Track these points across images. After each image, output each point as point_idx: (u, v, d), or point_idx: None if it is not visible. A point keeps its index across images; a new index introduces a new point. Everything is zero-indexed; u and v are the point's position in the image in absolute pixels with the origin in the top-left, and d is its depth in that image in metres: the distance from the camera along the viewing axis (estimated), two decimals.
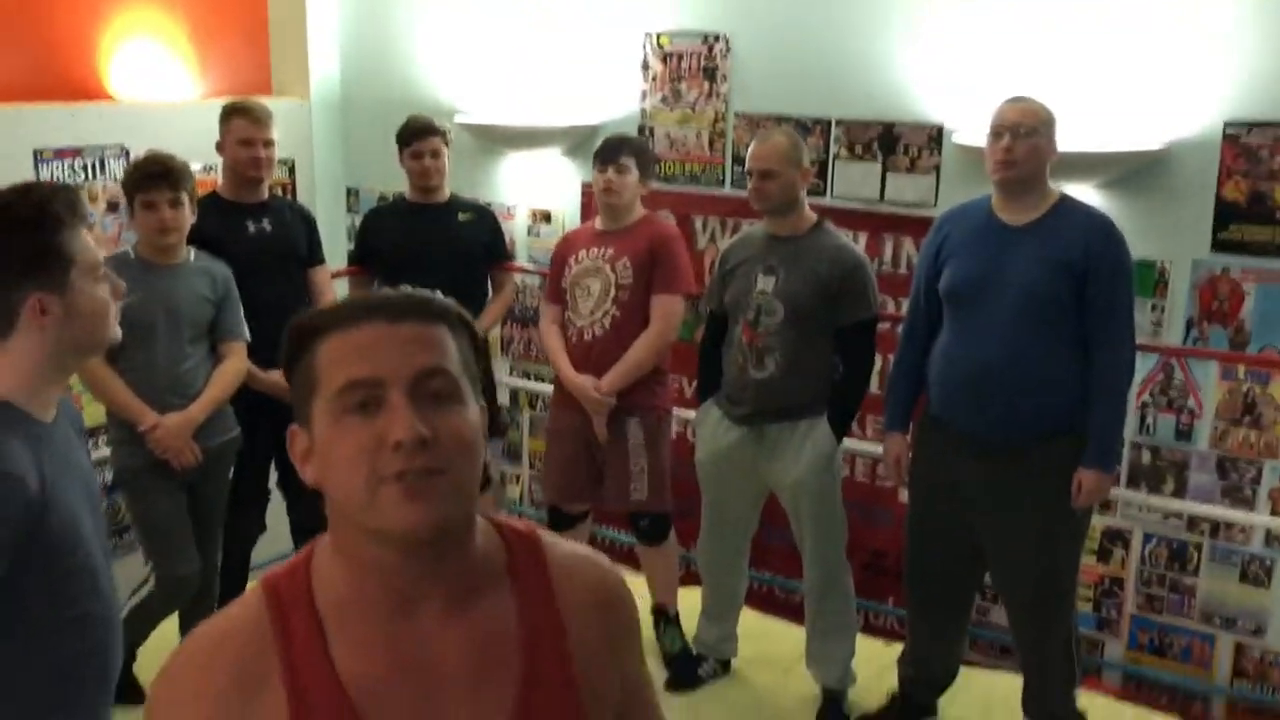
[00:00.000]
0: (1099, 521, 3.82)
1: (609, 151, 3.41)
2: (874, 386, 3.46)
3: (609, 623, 1.18)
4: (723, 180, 4.34)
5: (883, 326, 3.33)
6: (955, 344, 2.89)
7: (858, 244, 3.58)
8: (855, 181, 4.01)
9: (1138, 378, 3.36)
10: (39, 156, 4.16)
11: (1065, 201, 2.82)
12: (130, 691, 3.36)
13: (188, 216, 3.08)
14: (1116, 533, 3.90)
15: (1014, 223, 2.80)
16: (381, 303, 1.09)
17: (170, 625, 3.36)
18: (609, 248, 3.46)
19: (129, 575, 3.28)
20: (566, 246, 3.60)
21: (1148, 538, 3.86)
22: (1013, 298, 2.74)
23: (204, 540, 3.27)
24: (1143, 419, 3.76)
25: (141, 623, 3.22)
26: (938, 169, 3.86)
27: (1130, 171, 3.62)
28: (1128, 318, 2.79)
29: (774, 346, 3.11)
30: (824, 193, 4.02)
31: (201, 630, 1.12)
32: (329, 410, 1.06)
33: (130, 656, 3.35)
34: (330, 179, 5.32)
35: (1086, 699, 3.14)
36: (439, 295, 1.15)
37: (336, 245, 4.88)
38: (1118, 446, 2.90)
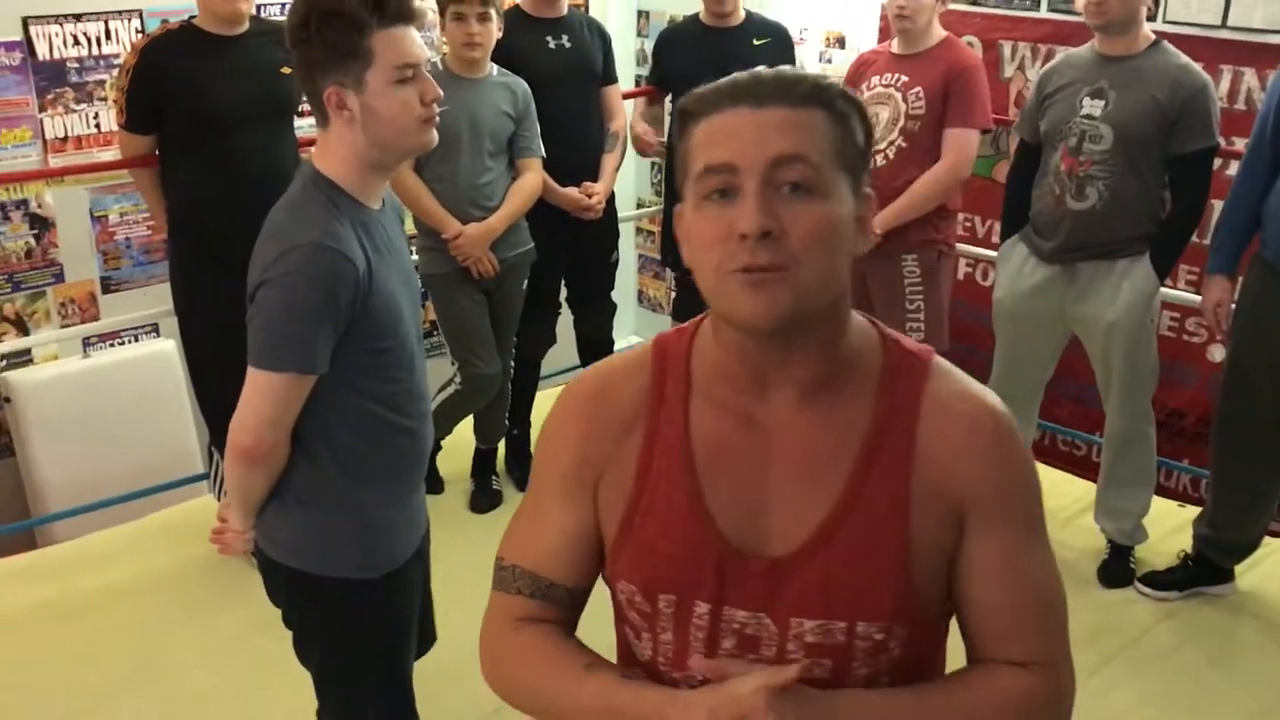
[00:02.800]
0: None
1: None
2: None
3: (964, 474, 1.09)
4: (1038, 2, 4.01)
5: (1215, 166, 3.02)
6: None
7: None
8: (1193, 4, 3.60)
9: None
10: None
11: None
12: (433, 482, 3.65)
13: (494, 31, 3.13)
14: None
15: None
16: (750, 85, 1.07)
17: (466, 425, 3.59)
18: (902, 74, 3.30)
19: (438, 375, 3.51)
20: (859, 70, 3.46)
21: None
22: None
23: (498, 347, 3.44)
24: None
25: (447, 418, 3.45)
26: None
27: None
28: None
29: (1097, 176, 2.89)
30: (1154, 17, 3.64)
31: (597, 368, 1.25)
32: (693, 194, 1.07)
33: (436, 448, 3.61)
34: (623, 0, 5.29)
35: None
36: (817, 76, 1.10)
37: (625, 69, 4.86)
38: None
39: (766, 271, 1.01)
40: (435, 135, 1.76)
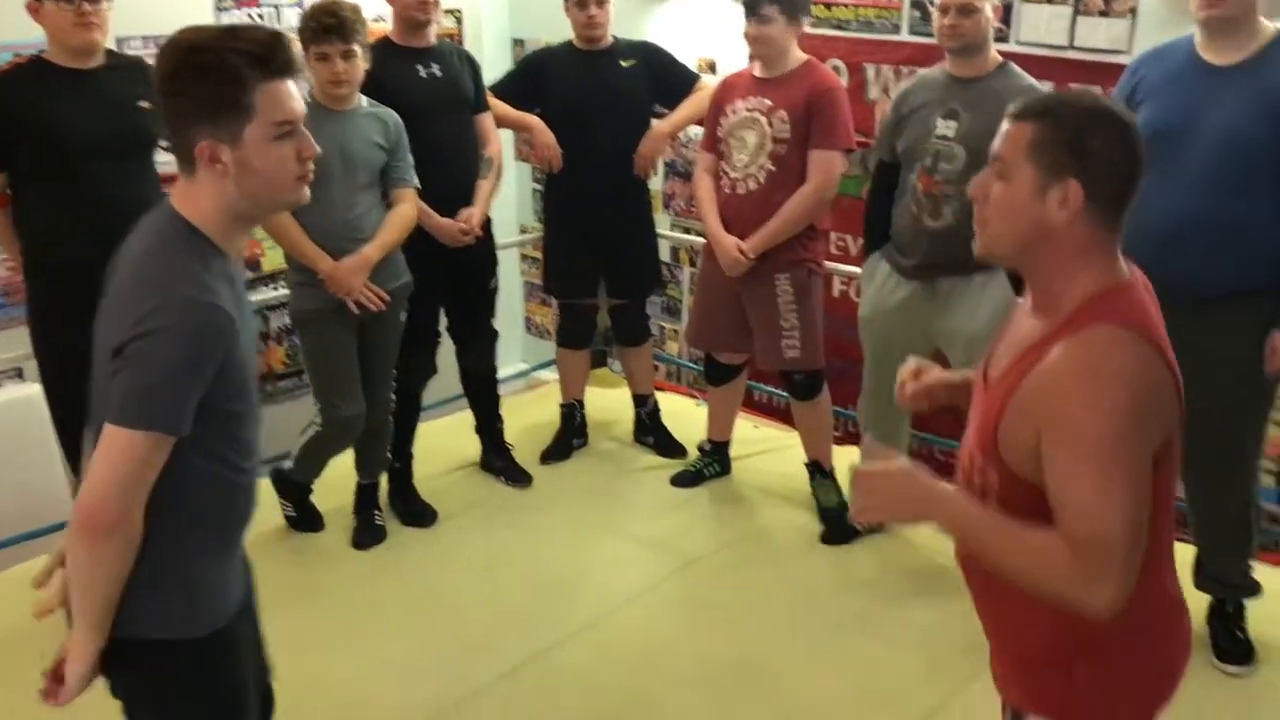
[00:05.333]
0: None
1: (751, 3, 3.33)
2: None
3: (1046, 395, 1.46)
4: (899, 25, 4.14)
5: None
6: (1150, 193, 2.70)
7: None
8: (1042, 25, 3.76)
9: None
10: (219, 5, 4.26)
11: None
12: (313, 519, 3.59)
13: (360, 66, 3.12)
14: None
15: (1220, 62, 2.58)
16: None
17: (346, 459, 3.55)
18: (766, 98, 3.38)
19: (301, 415, 3.46)
20: (724, 93, 3.53)
21: None
22: (1214, 143, 2.56)
23: (377, 381, 3.40)
24: None
25: (313, 459, 3.42)
26: (1134, 11, 3.57)
27: None
28: None
29: (952, 195, 2.99)
30: (1006, 38, 3.78)
31: None
32: None
33: (307, 489, 3.56)
34: (496, 29, 5.30)
35: (1263, 574, 3.01)
36: None
37: None
38: None
39: None
40: (308, 192, 1.68)
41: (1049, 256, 1.51)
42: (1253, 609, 2.98)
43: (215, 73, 1.54)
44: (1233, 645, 2.91)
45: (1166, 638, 1.63)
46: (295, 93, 1.62)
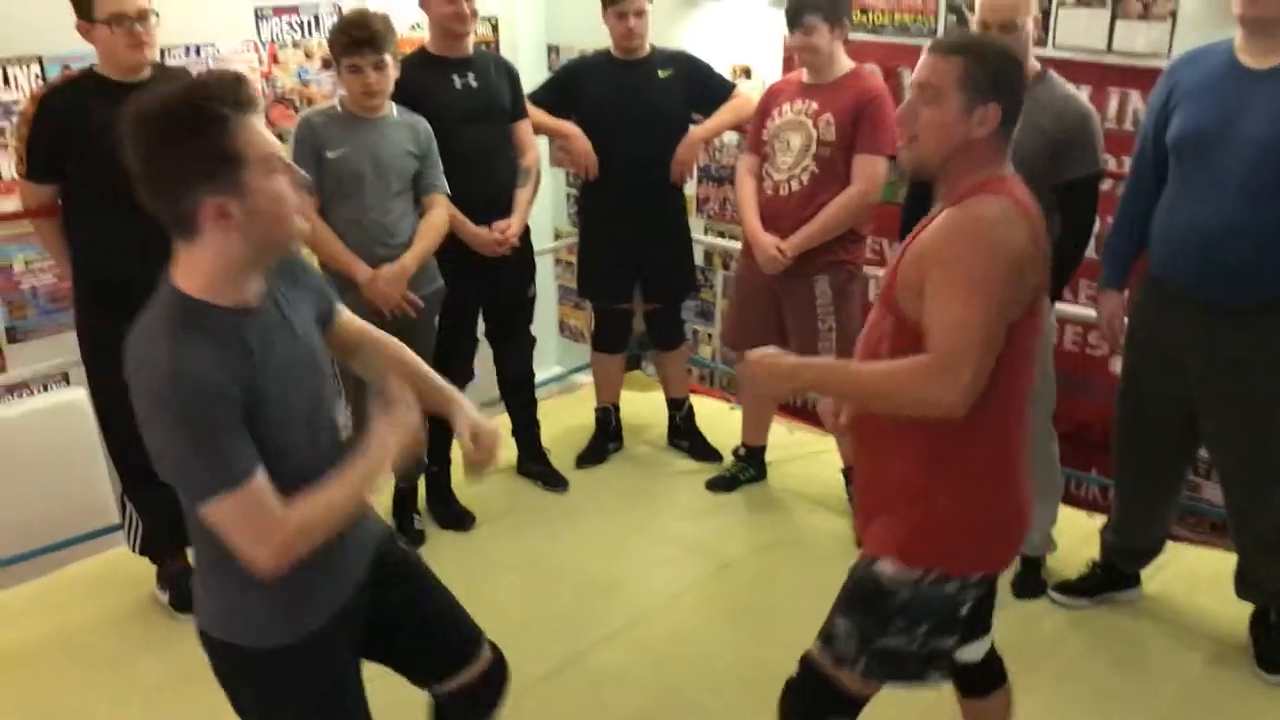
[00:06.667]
0: None
1: (793, 15, 3.34)
2: (1089, 250, 3.29)
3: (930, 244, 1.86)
4: (935, 31, 4.13)
5: (1104, 186, 3.14)
6: (1181, 199, 2.71)
7: None
8: (1080, 29, 3.74)
9: None
10: (259, 14, 4.32)
11: None
12: None
13: (391, 76, 3.15)
14: None
15: (1258, 66, 2.56)
16: None
17: None
18: (813, 102, 3.39)
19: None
20: (771, 98, 3.55)
21: None
22: (1249, 148, 2.53)
23: None
24: None
25: None
26: (1174, 15, 3.55)
27: None
28: None
29: None
30: (1044, 43, 3.77)
31: None
32: None
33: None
34: (532, 36, 5.34)
35: None
36: None
37: None
38: None
39: None
40: (306, 224, 1.67)
41: (963, 163, 1.87)
42: None
43: (201, 127, 1.52)
44: (1276, 654, 2.89)
45: (1003, 504, 1.96)
46: (262, 127, 1.60)
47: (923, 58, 1.90)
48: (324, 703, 1.85)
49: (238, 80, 1.58)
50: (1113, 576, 3.19)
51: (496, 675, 2.12)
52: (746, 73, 4.69)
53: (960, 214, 1.83)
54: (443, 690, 2.08)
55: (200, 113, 1.52)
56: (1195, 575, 3.31)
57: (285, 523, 1.59)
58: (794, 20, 3.33)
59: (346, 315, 1.96)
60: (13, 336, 3.94)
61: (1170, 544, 3.23)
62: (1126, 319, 3.00)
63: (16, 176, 3.08)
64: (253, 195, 1.56)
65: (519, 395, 3.99)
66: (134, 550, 3.25)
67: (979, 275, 1.76)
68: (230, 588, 1.71)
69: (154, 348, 1.56)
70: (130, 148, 1.54)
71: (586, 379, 4.76)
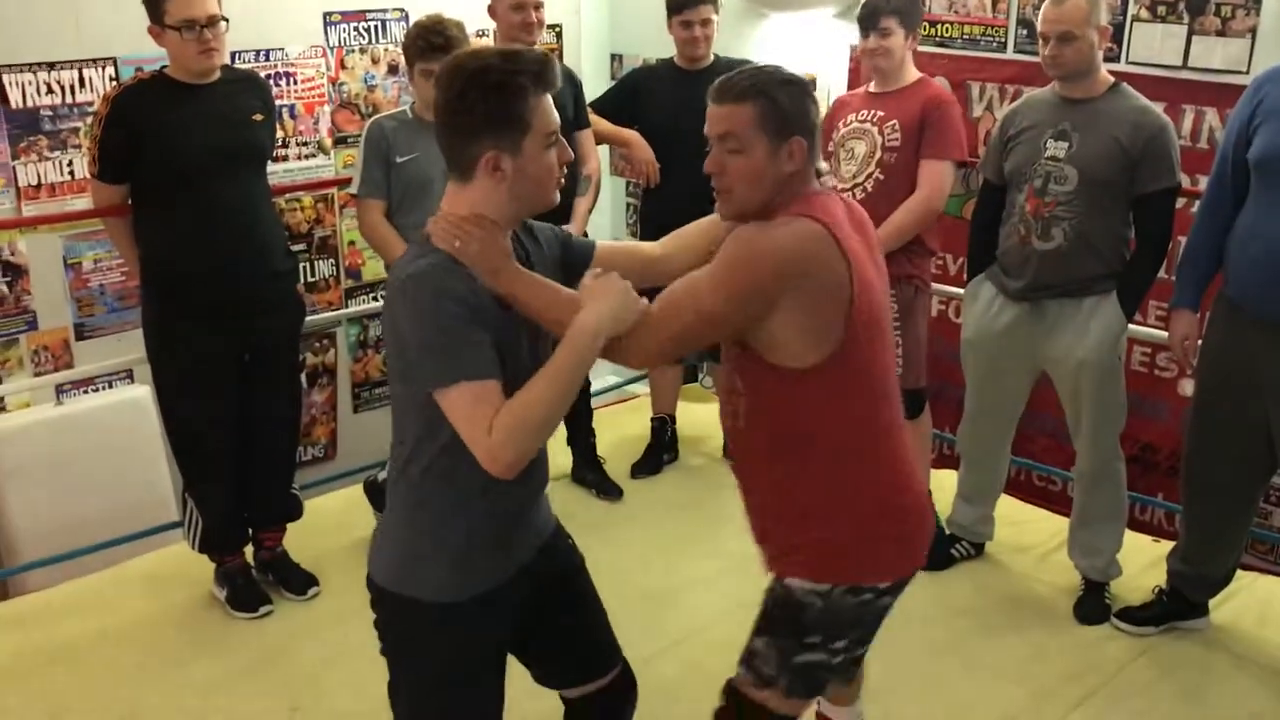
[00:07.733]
0: None
1: (870, 17, 3.30)
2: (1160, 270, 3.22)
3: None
4: (1004, 44, 4.08)
5: (1178, 204, 3.07)
6: (1263, 220, 2.64)
7: None
8: (1155, 44, 3.67)
9: None
10: (328, 19, 4.37)
11: None
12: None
13: None
14: None
15: None
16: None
17: None
18: (879, 110, 3.35)
19: None
20: (838, 110, 3.52)
21: None
22: None
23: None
24: None
25: None
26: (1254, 31, 3.47)
27: None
28: None
29: (1063, 216, 2.94)
30: (1118, 58, 3.71)
31: None
32: None
33: None
34: (596, 44, 5.34)
35: None
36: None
37: None
38: None
39: None
40: (558, 195, 1.85)
41: (781, 197, 1.86)
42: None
43: (504, 90, 1.71)
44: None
45: (900, 506, 1.98)
46: (553, 106, 1.78)
47: (712, 109, 1.89)
48: (466, 668, 1.94)
49: (545, 61, 1.77)
50: (1179, 605, 3.11)
51: (621, 691, 2.23)
52: (812, 83, 4.66)
53: (747, 228, 1.86)
54: (568, 695, 2.21)
55: (507, 78, 1.71)
56: (1266, 606, 3.23)
57: (511, 409, 1.73)
58: (870, 22, 3.29)
59: (605, 250, 2.10)
60: (80, 333, 4.00)
61: (1240, 572, 3.15)
62: (1199, 341, 2.93)
63: (89, 176, 3.13)
64: (526, 159, 1.75)
65: (575, 403, 3.97)
66: (193, 547, 3.28)
67: (729, 279, 1.80)
68: (414, 540, 1.87)
69: (417, 267, 1.74)
70: (440, 90, 1.76)
71: (643, 389, 4.74)
